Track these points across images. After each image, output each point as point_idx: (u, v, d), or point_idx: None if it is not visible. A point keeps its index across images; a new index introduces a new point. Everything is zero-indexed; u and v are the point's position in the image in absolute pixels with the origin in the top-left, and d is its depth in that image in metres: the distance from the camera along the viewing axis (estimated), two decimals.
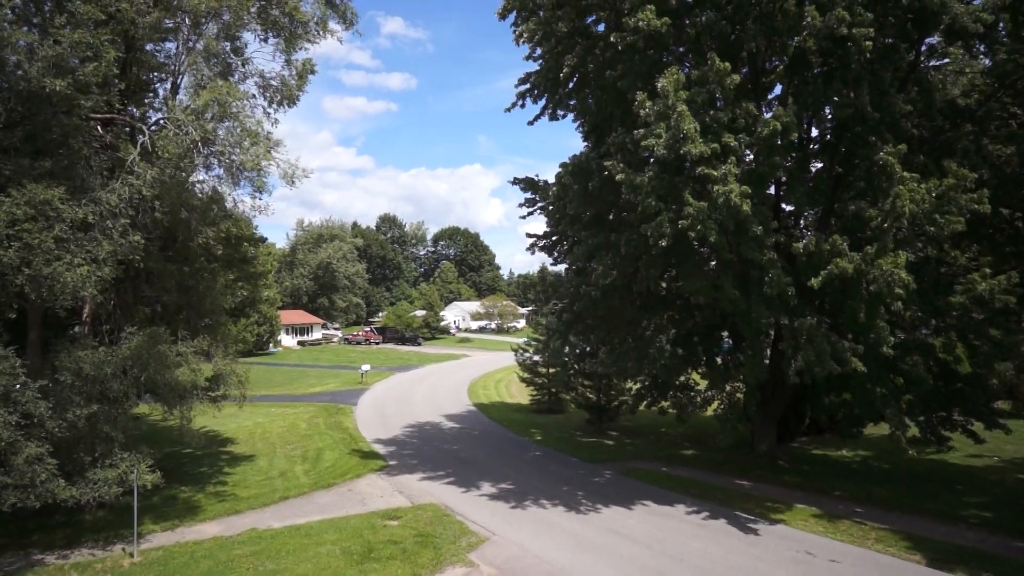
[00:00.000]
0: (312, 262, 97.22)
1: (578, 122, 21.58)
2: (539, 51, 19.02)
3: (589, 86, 19.13)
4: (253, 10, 16.54)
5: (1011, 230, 19.28)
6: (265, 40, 17.47)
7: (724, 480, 20.06)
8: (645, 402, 24.88)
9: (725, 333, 22.53)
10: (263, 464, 22.21)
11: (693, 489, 19.02)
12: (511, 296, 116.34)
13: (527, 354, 33.58)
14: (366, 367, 47.55)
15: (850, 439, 24.66)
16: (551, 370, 32.39)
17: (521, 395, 38.54)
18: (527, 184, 21.35)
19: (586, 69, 18.50)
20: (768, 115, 16.25)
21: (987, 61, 19.47)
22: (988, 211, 15.35)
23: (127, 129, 16.80)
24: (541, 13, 18.07)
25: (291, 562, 13.54)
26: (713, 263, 18.66)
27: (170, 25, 16.21)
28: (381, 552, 14.04)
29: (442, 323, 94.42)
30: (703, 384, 22.99)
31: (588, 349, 25.21)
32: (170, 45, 17.74)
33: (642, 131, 15.34)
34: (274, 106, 17.70)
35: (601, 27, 18.71)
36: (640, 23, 15.49)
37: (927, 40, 18.41)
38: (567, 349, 23.92)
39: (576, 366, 28.84)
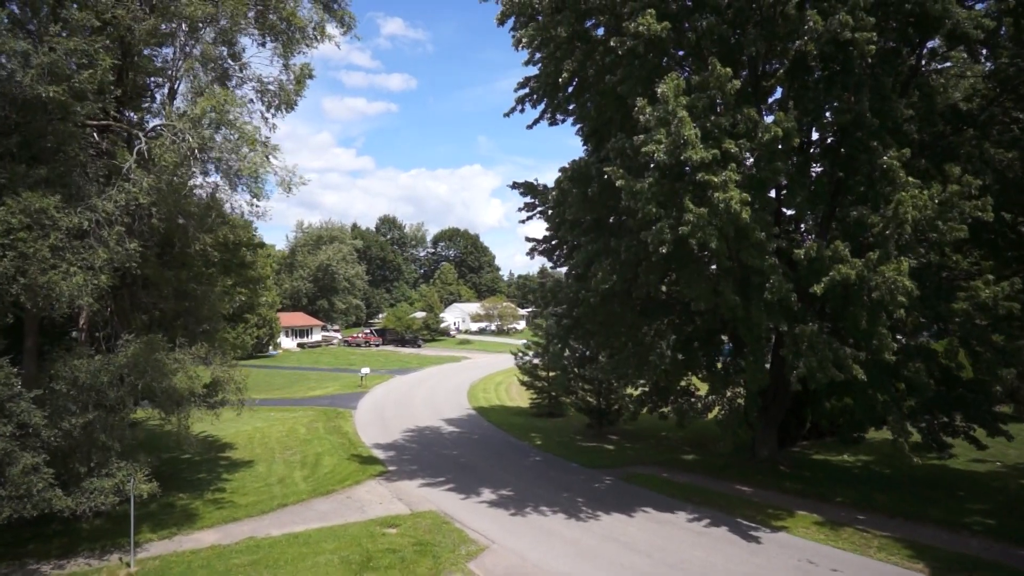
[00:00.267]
0: (312, 264, 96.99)
1: (578, 127, 21.47)
2: (538, 56, 18.88)
3: (589, 91, 19.01)
4: (250, 15, 16.43)
5: (1014, 235, 19.15)
6: (263, 45, 17.37)
7: (725, 486, 19.96)
8: (646, 408, 24.75)
9: (725, 338, 22.43)
10: (262, 470, 22.11)
11: (694, 495, 18.92)
12: (511, 297, 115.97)
13: (527, 357, 33.43)
14: (366, 370, 47.48)
15: (851, 444, 24.56)
16: (551, 374, 32.26)
17: (521, 398, 38.44)
18: (526, 188, 21.26)
19: (585, 74, 18.39)
20: (769, 120, 16.16)
21: (989, 65, 19.35)
22: (991, 218, 15.26)
23: (124, 135, 16.69)
24: (540, 18, 17.97)
25: (289, 572, 13.45)
26: (713, 268, 18.55)
27: (167, 31, 16.05)
28: (380, 561, 13.94)
29: (442, 325, 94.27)
30: (704, 389, 22.88)
31: (588, 353, 25.09)
32: (167, 50, 17.62)
33: (642, 137, 15.25)
34: (272, 111, 17.58)
35: (600, 32, 18.59)
36: (640, 28, 15.39)
37: (928, 44, 18.29)
38: (567, 353, 23.81)
39: (576, 370, 28.70)
